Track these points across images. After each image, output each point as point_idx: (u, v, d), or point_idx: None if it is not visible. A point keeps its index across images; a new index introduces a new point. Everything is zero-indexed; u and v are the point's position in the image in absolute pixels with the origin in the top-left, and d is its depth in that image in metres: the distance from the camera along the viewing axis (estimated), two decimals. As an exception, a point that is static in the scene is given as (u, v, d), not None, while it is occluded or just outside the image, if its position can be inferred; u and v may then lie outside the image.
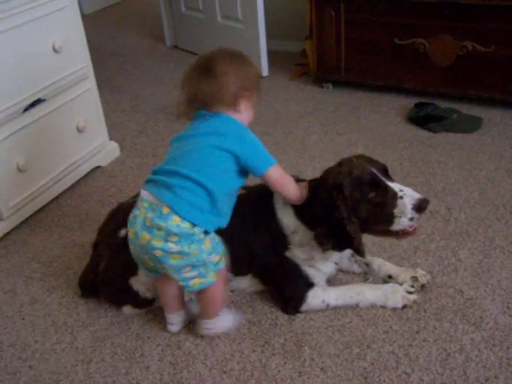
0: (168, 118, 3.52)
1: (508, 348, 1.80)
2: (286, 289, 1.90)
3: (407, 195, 1.79)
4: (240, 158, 1.71)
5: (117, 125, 3.44)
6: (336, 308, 1.99)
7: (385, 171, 1.87)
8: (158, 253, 1.69)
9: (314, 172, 2.62)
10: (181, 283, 1.77)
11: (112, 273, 1.96)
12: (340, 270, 2.15)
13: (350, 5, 3.38)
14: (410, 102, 3.37)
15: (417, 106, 3.28)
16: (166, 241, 1.68)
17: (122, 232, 1.96)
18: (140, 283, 1.95)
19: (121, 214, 2.05)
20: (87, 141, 2.88)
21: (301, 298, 1.96)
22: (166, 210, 1.67)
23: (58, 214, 2.66)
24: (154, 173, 1.77)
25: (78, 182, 2.87)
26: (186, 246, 1.69)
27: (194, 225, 1.69)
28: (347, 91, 3.67)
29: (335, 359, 1.81)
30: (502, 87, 3.17)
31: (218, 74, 1.73)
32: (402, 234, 1.86)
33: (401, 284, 2.03)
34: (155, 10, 5.26)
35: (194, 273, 1.74)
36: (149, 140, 3.27)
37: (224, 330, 1.92)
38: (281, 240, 1.91)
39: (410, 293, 2.00)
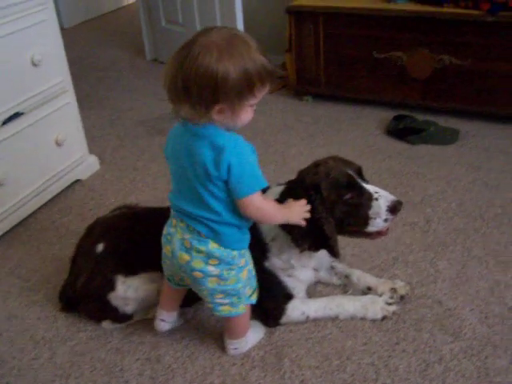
0: (148, 131, 3.51)
1: (486, 357, 1.81)
2: (265, 301, 1.90)
3: (382, 197, 1.82)
4: (225, 181, 1.55)
5: (96, 138, 3.43)
6: (316, 320, 1.99)
7: (359, 173, 1.89)
8: (198, 274, 1.68)
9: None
10: (211, 305, 1.76)
11: (90, 288, 1.94)
12: (320, 282, 2.16)
13: (329, 18, 3.41)
14: (388, 115, 3.40)
15: (395, 118, 3.31)
16: (207, 263, 1.66)
17: (100, 247, 1.95)
18: (118, 298, 1.93)
19: (98, 229, 2.04)
20: (67, 154, 2.86)
21: (280, 311, 1.95)
22: (203, 235, 1.64)
23: (36, 227, 2.64)
24: (177, 204, 1.67)
25: (57, 196, 2.86)
26: (226, 270, 1.68)
27: (232, 250, 1.67)
28: (327, 104, 3.69)
29: (315, 371, 1.81)
30: (479, 100, 3.21)
31: (188, 62, 1.44)
32: (376, 234, 1.89)
33: (380, 295, 2.04)
34: (135, 23, 5.26)
35: (227, 301, 1.73)
36: (129, 153, 3.26)
37: (250, 347, 1.91)
38: (260, 249, 1.90)
39: (390, 304, 2.01)
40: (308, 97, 3.76)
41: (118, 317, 1.99)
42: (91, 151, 3.12)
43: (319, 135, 3.32)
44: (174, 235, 1.69)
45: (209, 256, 1.66)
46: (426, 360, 1.82)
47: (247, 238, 1.74)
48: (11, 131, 2.52)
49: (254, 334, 1.92)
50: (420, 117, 3.32)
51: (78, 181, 2.98)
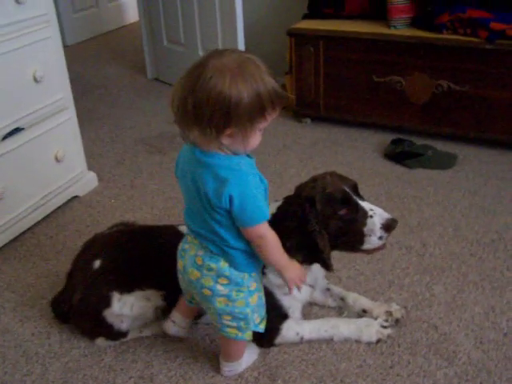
0: (147, 149, 3.53)
1: (481, 383, 1.81)
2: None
3: (377, 214, 1.82)
4: (229, 211, 1.55)
5: (96, 155, 3.44)
6: (310, 341, 1.98)
7: (355, 189, 1.89)
8: (207, 292, 1.68)
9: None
10: (218, 325, 1.75)
11: (86, 305, 1.93)
12: (315, 304, 2.16)
13: (329, 42, 3.44)
14: (386, 139, 3.42)
15: (393, 142, 3.33)
16: (216, 282, 1.66)
17: (97, 263, 1.95)
18: (114, 315, 1.93)
19: (96, 245, 2.05)
20: (65, 170, 2.87)
21: (275, 331, 1.95)
22: (214, 253, 1.65)
23: (33, 243, 2.64)
24: (189, 225, 1.69)
25: (54, 212, 2.86)
26: (235, 291, 1.67)
27: (241, 271, 1.67)
28: (325, 126, 3.71)
29: (309, 393, 1.80)
30: (476, 125, 3.23)
31: (200, 85, 1.42)
32: (373, 249, 1.89)
33: (375, 318, 2.04)
34: (137, 42, 5.31)
35: (234, 324, 1.72)
36: (127, 171, 3.27)
37: (244, 368, 1.90)
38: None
39: (385, 327, 2.00)
40: (307, 119, 3.78)
41: (112, 334, 1.98)
42: (90, 168, 3.13)
43: (317, 157, 3.33)
44: (188, 251, 1.70)
45: (219, 274, 1.65)
46: (420, 384, 1.82)
47: (258, 261, 1.71)
48: (11, 146, 2.53)
49: (248, 356, 1.91)
50: (418, 141, 3.33)
51: (76, 197, 2.98)
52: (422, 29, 3.28)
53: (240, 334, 1.74)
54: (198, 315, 2.00)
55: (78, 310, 1.96)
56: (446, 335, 2.00)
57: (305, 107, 3.73)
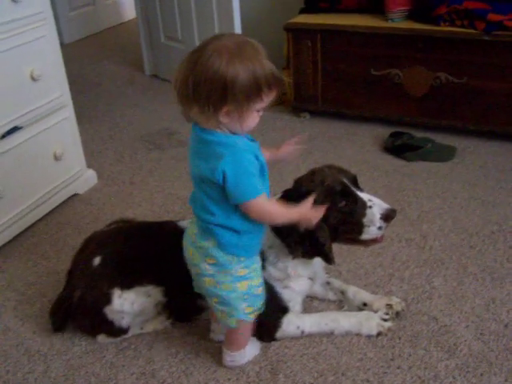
0: (146, 146, 3.53)
1: (482, 375, 1.81)
2: (260, 315, 1.89)
3: (376, 205, 1.84)
4: (222, 187, 1.56)
5: (95, 153, 3.44)
6: (311, 335, 1.99)
7: (355, 181, 1.90)
8: (196, 270, 1.73)
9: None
10: (212, 307, 1.79)
11: (86, 302, 1.94)
12: (315, 298, 2.16)
13: (327, 36, 3.44)
14: (385, 132, 3.42)
15: (392, 135, 3.33)
16: (204, 261, 1.69)
17: (96, 260, 1.96)
18: (114, 312, 1.93)
19: (95, 243, 2.05)
20: (64, 169, 2.88)
21: (276, 325, 1.95)
22: (205, 232, 1.68)
23: (33, 241, 2.64)
24: (190, 199, 1.74)
25: (54, 210, 2.86)
26: (221, 273, 1.68)
27: (226, 253, 1.67)
28: (324, 121, 3.71)
29: (310, 387, 1.81)
30: (475, 117, 3.23)
31: (200, 63, 1.46)
32: (371, 241, 1.90)
33: (376, 311, 2.04)
34: (135, 39, 5.30)
35: (221, 307, 1.73)
36: (126, 168, 3.27)
37: (246, 362, 1.90)
38: (260, 256, 1.89)
39: (385, 320, 2.01)
40: (305, 114, 3.78)
41: (113, 331, 1.98)
42: (89, 165, 3.13)
43: (316, 152, 3.33)
44: (188, 230, 1.76)
45: (206, 254, 1.67)
46: (421, 377, 1.82)
47: (249, 245, 1.71)
48: (10, 145, 2.53)
49: (251, 349, 1.91)
50: (417, 134, 3.33)
51: (75, 195, 2.99)
52: (419, 21, 3.27)
53: (228, 321, 1.75)
54: (198, 311, 2.00)
55: (79, 307, 1.96)
56: (447, 327, 2.00)
57: (303, 102, 3.73)
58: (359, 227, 1.85)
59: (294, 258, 1.90)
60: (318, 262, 1.98)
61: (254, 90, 1.47)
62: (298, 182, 1.90)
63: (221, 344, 1.92)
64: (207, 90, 1.45)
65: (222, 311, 1.74)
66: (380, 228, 1.84)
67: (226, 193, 1.56)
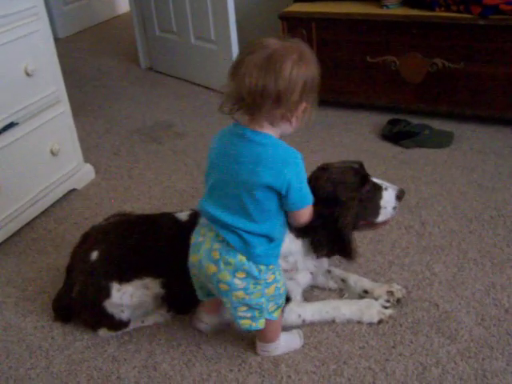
0: (143, 139, 3.52)
1: (483, 360, 1.81)
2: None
3: (389, 187, 1.94)
4: (282, 194, 1.58)
5: (92, 147, 3.44)
6: (312, 323, 1.99)
7: (363, 167, 1.95)
8: (224, 287, 1.68)
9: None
10: (233, 318, 1.75)
11: (85, 296, 1.93)
12: (316, 287, 2.16)
13: (322, 24, 3.42)
14: (383, 119, 3.41)
15: (390, 122, 3.32)
16: (234, 276, 1.66)
17: (94, 255, 1.95)
18: (114, 306, 1.93)
19: (93, 237, 2.04)
20: (62, 164, 2.87)
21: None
22: (232, 247, 1.65)
23: (32, 237, 2.64)
24: (209, 211, 1.66)
25: (52, 205, 2.85)
26: (252, 284, 1.67)
27: (257, 264, 1.67)
28: (321, 109, 3.67)
29: (312, 376, 1.81)
30: (472, 102, 3.22)
31: (284, 74, 1.48)
32: (381, 224, 1.98)
33: (376, 299, 2.04)
34: (130, 32, 5.27)
35: (249, 314, 1.72)
36: (124, 162, 3.26)
37: (282, 353, 1.90)
38: None
39: (386, 308, 2.01)
40: (302, 103, 3.76)
41: (113, 324, 1.98)
42: (86, 160, 3.12)
43: (314, 140, 3.32)
44: (203, 245, 1.70)
45: (236, 269, 1.65)
46: (422, 363, 1.82)
47: (277, 253, 1.73)
48: (6, 141, 2.52)
49: (287, 342, 1.90)
50: (414, 120, 3.32)
51: (73, 190, 2.98)
52: (414, 7, 3.25)
53: (254, 325, 1.74)
54: (198, 303, 2.00)
55: (79, 301, 1.96)
56: (448, 313, 2.00)
57: (300, 91, 3.71)
58: (377, 210, 1.92)
59: (317, 257, 1.92)
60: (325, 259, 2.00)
61: (315, 89, 1.60)
62: (315, 183, 1.85)
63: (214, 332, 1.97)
64: (289, 94, 1.51)
65: (248, 318, 1.73)
66: (394, 208, 1.93)
67: (283, 200, 1.59)
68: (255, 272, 1.66)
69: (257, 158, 1.55)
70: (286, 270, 1.93)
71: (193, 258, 1.75)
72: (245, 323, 1.74)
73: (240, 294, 1.68)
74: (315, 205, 1.73)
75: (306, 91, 1.54)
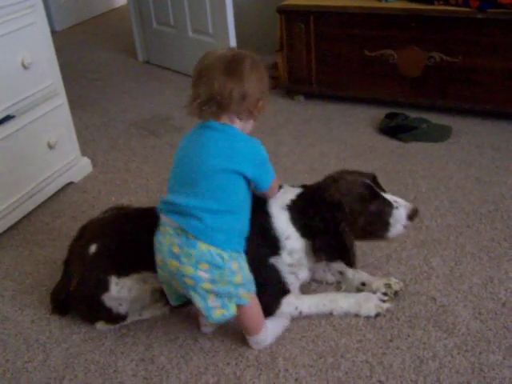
0: (140, 132, 3.51)
1: (480, 353, 1.82)
2: (260, 296, 1.89)
3: (401, 205, 1.92)
4: (249, 177, 1.73)
5: (89, 141, 3.43)
6: (309, 316, 1.99)
7: (375, 181, 1.97)
8: (188, 281, 1.69)
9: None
10: (205, 313, 1.74)
11: (84, 290, 1.94)
12: (314, 280, 2.16)
13: (320, 18, 3.42)
14: (380, 113, 3.41)
15: (387, 116, 3.32)
16: (197, 268, 1.67)
17: (92, 248, 1.95)
18: (112, 299, 1.93)
19: (91, 230, 2.04)
20: (59, 157, 2.86)
21: (275, 305, 1.95)
22: (191, 237, 1.67)
23: (29, 230, 2.63)
24: (169, 202, 1.74)
25: (50, 199, 2.85)
26: (217, 275, 1.69)
27: (222, 249, 1.69)
28: (319, 103, 3.70)
29: (309, 369, 1.81)
30: (470, 96, 3.22)
31: (246, 78, 1.67)
32: (392, 238, 1.98)
33: (374, 292, 2.05)
34: (127, 25, 5.26)
35: (218, 303, 1.73)
36: (121, 155, 3.26)
37: (273, 339, 1.92)
38: (272, 243, 1.91)
39: (384, 301, 2.01)
40: (299, 96, 3.76)
41: (111, 317, 1.98)
42: (84, 153, 3.11)
43: (311, 134, 3.32)
44: (163, 243, 1.72)
45: (198, 260, 1.66)
46: (420, 357, 1.82)
47: (238, 239, 1.76)
48: (3, 134, 2.51)
49: (274, 327, 1.92)
50: (412, 114, 3.32)
51: (70, 183, 2.98)
52: (412, 0, 3.25)
53: (225, 312, 1.74)
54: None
55: (76, 295, 1.96)
56: (445, 307, 2.01)
57: (297, 84, 3.71)
58: (386, 226, 1.92)
59: (316, 261, 1.97)
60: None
61: (268, 86, 1.79)
62: (320, 190, 1.92)
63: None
64: (252, 92, 1.69)
65: (218, 307, 1.73)
66: (405, 227, 1.93)
67: (252, 182, 1.75)
68: (218, 260, 1.68)
69: (223, 145, 1.70)
70: (290, 265, 1.94)
71: (157, 260, 1.76)
72: (217, 314, 1.74)
73: (206, 285, 1.69)
74: (319, 209, 1.83)
75: (263, 88, 1.73)
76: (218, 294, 1.72)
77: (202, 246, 1.67)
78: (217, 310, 1.73)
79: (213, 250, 1.68)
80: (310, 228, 1.88)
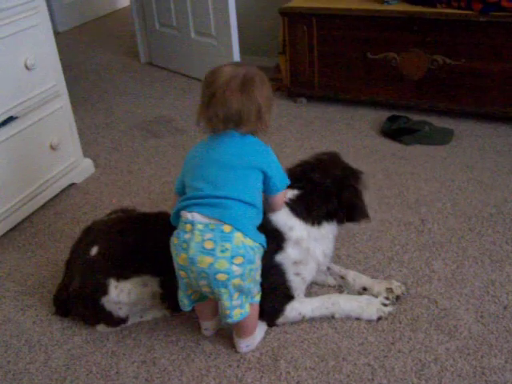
0: (143, 134, 3.51)
1: (482, 357, 1.82)
2: (265, 301, 1.89)
3: None
4: (267, 175, 1.77)
5: (91, 142, 3.43)
6: (312, 319, 1.99)
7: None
8: (222, 277, 1.68)
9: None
10: (228, 312, 1.73)
11: (83, 292, 1.93)
12: (315, 283, 2.16)
13: (322, 20, 3.42)
14: (382, 116, 3.41)
15: (389, 119, 3.32)
16: (232, 263, 1.67)
17: (94, 250, 1.95)
18: (111, 303, 1.93)
19: (93, 232, 2.04)
20: (61, 158, 2.86)
21: (278, 311, 1.95)
22: (227, 229, 1.68)
23: (31, 232, 2.63)
24: (196, 197, 1.74)
25: (52, 200, 2.85)
26: (248, 270, 1.70)
27: (254, 241, 1.72)
28: (321, 105, 3.70)
29: (311, 372, 1.81)
30: (472, 100, 3.22)
31: (259, 95, 1.73)
32: None
33: (376, 296, 2.04)
34: (129, 27, 5.27)
35: (239, 301, 1.73)
36: (123, 157, 3.26)
37: (259, 341, 1.94)
38: (277, 238, 1.90)
39: (385, 305, 2.01)
40: (302, 99, 3.76)
41: (112, 320, 1.98)
42: (86, 155, 3.12)
43: (313, 136, 3.32)
44: (191, 240, 1.69)
45: (233, 254, 1.67)
46: (421, 360, 1.82)
47: (260, 234, 1.79)
48: (5, 135, 2.52)
49: (259, 329, 1.93)
50: (414, 117, 3.32)
51: (72, 184, 2.98)
52: (415, 3, 3.25)
53: (242, 312, 1.75)
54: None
55: (76, 297, 1.96)
56: (447, 310, 2.00)
57: (299, 87, 3.71)
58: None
59: (338, 223, 2.03)
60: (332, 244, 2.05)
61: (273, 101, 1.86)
62: (324, 168, 2.03)
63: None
64: (264, 110, 1.76)
65: (238, 306, 1.73)
66: None
67: (267, 181, 1.80)
68: (251, 255, 1.70)
69: (246, 145, 1.77)
70: (296, 262, 1.94)
71: (180, 259, 1.72)
72: (236, 313, 1.74)
73: (237, 281, 1.69)
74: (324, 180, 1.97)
75: (271, 104, 1.80)
76: (241, 292, 1.72)
77: (237, 239, 1.68)
78: (236, 310, 1.74)
79: (246, 242, 1.69)
80: (311, 206, 1.94)
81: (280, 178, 1.82)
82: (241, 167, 1.74)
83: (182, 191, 1.85)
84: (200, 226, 1.68)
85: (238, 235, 1.68)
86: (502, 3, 2.94)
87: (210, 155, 1.77)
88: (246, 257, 1.69)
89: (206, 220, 1.69)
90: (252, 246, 1.71)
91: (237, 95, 1.70)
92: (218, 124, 1.73)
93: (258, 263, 1.75)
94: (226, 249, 1.66)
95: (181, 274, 1.75)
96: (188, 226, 1.71)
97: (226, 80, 1.72)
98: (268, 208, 1.89)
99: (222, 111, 1.71)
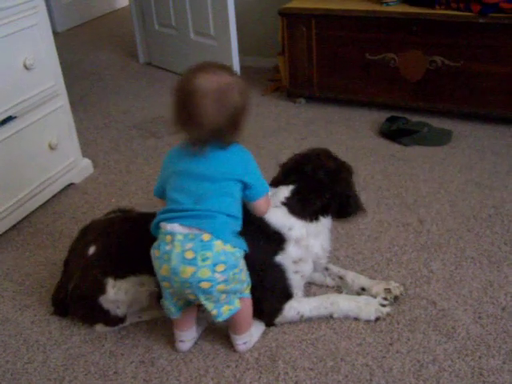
0: (142, 134, 3.51)
1: (480, 357, 1.82)
2: (263, 301, 1.90)
3: None
4: (247, 184, 1.76)
5: (90, 142, 3.43)
6: (310, 319, 1.99)
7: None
8: (205, 285, 1.68)
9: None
10: (216, 314, 1.74)
11: (81, 292, 1.94)
12: (313, 284, 2.16)
13: (321, 21, 3.42)
14: (381, 117, 3.41)
15: (388, 120, 3.32)
16: (214, 271, 1.67)
17: (91, 249, 1.95)
18: (109, 302, 1.93)
19: (91, 231, 2.04)
20: (60, 158, 2.86)
21: (277, 311, 1.95)
22: (206, 237, 1.68)
23: (30, 231, 2.63)
24: (176, 210, 1.74)
25: (50, 200, 2.85)
26: (231, 275, 1.70)
27: (234, 247, 1.72)
28: (320, 106, 3.70)
29: (309, 373, 1.81)
30: (471, 101, 3.22)
31: (236, 109, 1.69)
32: None
33: (374, 296, 2.05)
34: (128, 27, 5.27)
35: (226, 299, 1.74)
36: (122, 157, 3.26)
37: (256, 341, 1.93)
38: (276, 239, 1.91)
39: (384, 306, 2.01)
40: (301, 99, 3.76)
41: (109, 320, 1.98)
42: (85, 155, 3.11)
43: (312, 137, 3.32)
44: (172, 251, 1.69)
45: (215, 262, 1.67)
46: (420, 360, 1.82)
47: (240, 241, 1.79)
48: (4, 135, 2.51)
49: (256, 328, 1.93)
50: (413, 118, 3.33)
51: (71, 184, 2.98)
52: (414, 4, 3.25)
53: (232, 308, 1.76)
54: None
55: (74, 296, 1.96)
56: (445, 311, 2.01)
57: (298, 87, 3.71)
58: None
59: (333, 217, 2.05)
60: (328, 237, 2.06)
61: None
62: (319, 162, 2.05)
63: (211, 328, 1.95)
64: (242, 120, 1.73)
65: (226, 304, 1.74)
66: None
67: (246, 191, 1.78)
68: (233, 260, 1.71)
69: (224, 156, 1.74)
70: (296, 260, 1.94)
71: (163, 270, 1.72)
72: (224, 311, 1.75)
73: (221, 287, 1.70)
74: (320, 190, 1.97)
75: (247, 110, 1.74)
76: (228, 294, 1.73)
77: (218, 247, 1.68)
78: (225, 307, 1.75)
79: (227, 249, 1.69)
80: (308, 203, 1.95)
81: (260, 185, 1.80)
82: (221, 179, 1.72)
83: (161, 195, 1.87)
84: (180, 237, 1.69)
85: (217, 243, 1.68)
86: (501, 4, 2.95)
87: (189, 167, 1.75)
88: (228, 263, 1.69)
89: (185, 230, 1.69)
90: (233, 251, 1.72)
91: (212, 111, 1.65)
92: (195, 137, 1.71)
93: (241, 265, 1.76)
94: (207, 257, 1.67)
95: (164, 284, 1.75)
96: (168, 237, 1.72)
97: (201, 94, 1.64)
98: (253, 213, 1.87)
99: (199, 126, 1.67)
